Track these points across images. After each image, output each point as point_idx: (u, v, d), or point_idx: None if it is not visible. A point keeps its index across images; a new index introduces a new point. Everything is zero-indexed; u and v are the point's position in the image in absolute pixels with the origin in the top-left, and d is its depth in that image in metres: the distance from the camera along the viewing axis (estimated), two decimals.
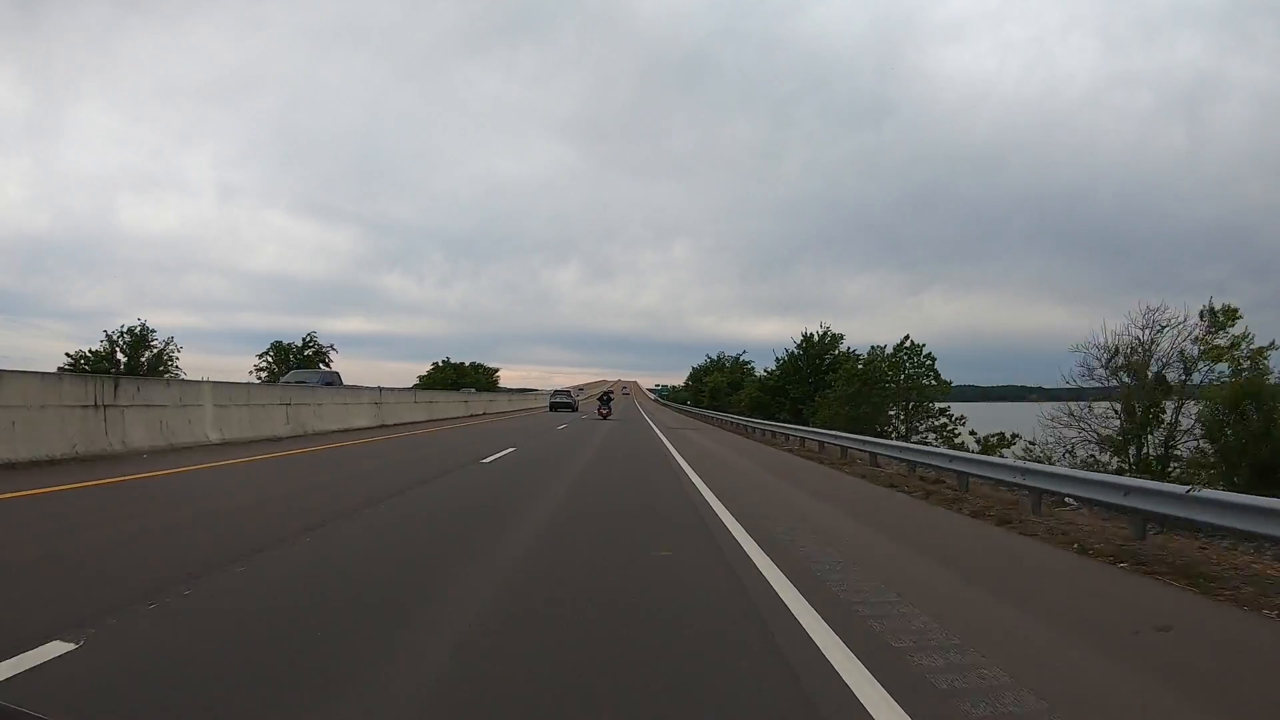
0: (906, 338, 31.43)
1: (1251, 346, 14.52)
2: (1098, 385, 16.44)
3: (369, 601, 3.71)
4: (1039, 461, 12.15)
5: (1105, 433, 15.00)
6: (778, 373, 42.04)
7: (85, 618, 3.12)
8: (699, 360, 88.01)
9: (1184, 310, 15.28)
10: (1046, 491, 7.65)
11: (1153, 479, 8.54)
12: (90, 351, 38.98)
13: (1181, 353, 15.32)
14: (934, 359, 31.01)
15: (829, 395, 32.94)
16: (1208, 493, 5.65)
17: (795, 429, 20.66)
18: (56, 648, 2.77)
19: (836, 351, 39.26)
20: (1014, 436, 24.89)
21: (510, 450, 13.64)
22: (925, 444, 25.58)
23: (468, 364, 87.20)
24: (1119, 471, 14.42)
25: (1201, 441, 12.99)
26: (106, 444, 10.57)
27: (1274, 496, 5.02)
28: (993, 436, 25.32)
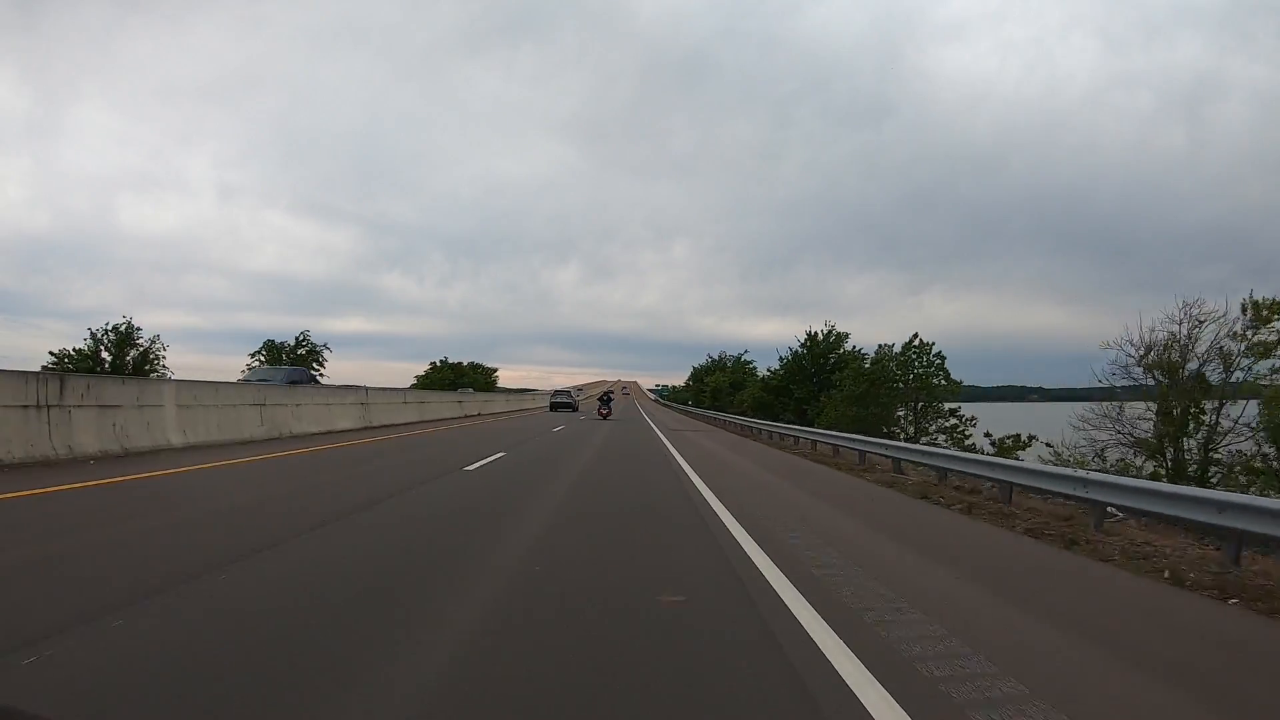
0: (915, 336, 30.51)
1: None
2: (1129, 385, 15.42)
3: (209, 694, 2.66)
4: (1077, 467, 11.08)
5: (1141, 436, 13.95)
6: (781, 372, 41.00)
7: None
8: (699, 360, 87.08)
9: (1224, 304, 14.25)
10: (1109, 505, 6.61)
11: (1242, 493, 7.45)
12: (75, 350, 38.00)
13: (1221, 349, 14.28)
14: (944, 358, 30.08)
15: (835, 395, 31.99)
16: None
17: (806, 431, 19.62)
18: None
19: (841, 350, 38.32)
20: (1030, 438, 23.92)
21: (499, 456, 12.56)
22: (935, 445, 24.68)
23: (466, 364, 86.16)
24: (1154, 477, 13.41)
25: (1265, 446, 11.90)
26: (50, 448, 9.51)
27: None
28: (1008, 438, 24.30)
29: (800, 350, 39.89)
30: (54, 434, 9.64)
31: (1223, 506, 5.35)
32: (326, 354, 50.44)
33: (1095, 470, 8.49)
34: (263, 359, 47.85)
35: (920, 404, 29.93)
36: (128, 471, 8.63)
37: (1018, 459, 14.75)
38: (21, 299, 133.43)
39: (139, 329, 39.51)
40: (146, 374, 36.70)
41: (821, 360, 38.61)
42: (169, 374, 37.84)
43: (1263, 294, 13.84)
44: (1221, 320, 13.97)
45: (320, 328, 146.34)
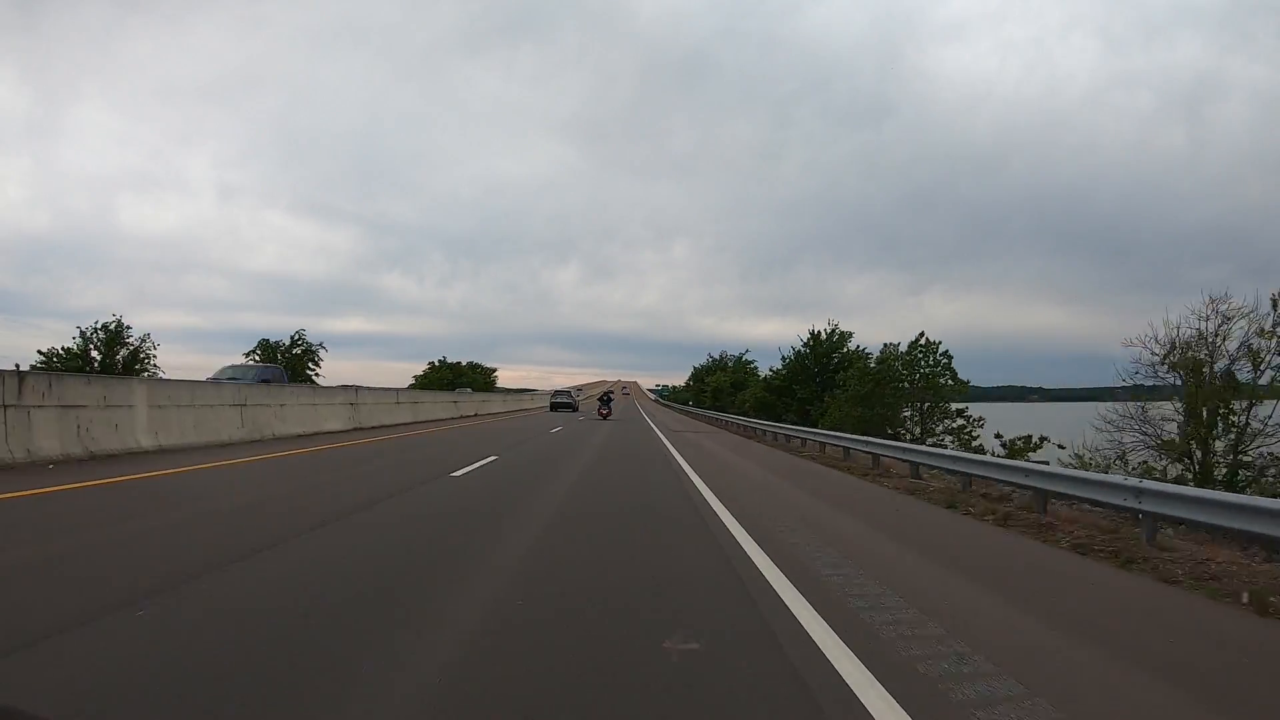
0: (921, 335, 29.82)
1: None
2: (1151, 384, 14.71)
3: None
4: (1126, 474, 10.40)
5: (1167, 438, 13.25)
6: (784, 372, 40.29)
7: None
8: (699, 360, 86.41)
9: (1253, 300, 13.52)
10: (1165, 516, 5.93)
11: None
12: (64, 349, 37.22)
13: (1250, 347, 13.56)
14: (950, 357, 29.40)
15: (839, 395, 31.33)
16: None
17: (814, 433, 18.97)
18: None
19: (845, 350, 37.64)
20: (1042, 439, 23.30)
21: (490, 460, 11.86)
22: (940, 446, 24.01)
23: (465, 364, 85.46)
24: (1180, 480, 12.72)
25: None
26: (7, 451, 8.83)
27: None
28: (1019, 439, 23.65)
29: (803, 349, 39.18)
30: (10, 436, 8.95)
31: None
32: (322, 353, 49.73)
33: (1145, 479, 7.79)
34: (257, 357, 47.11)
35: (926, 404, 29.29)
36: (86, 477, 7.94)
37: (1046, 464, 14.05)
38: (21, 299, 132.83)
39: (129, 327, 38.78)
40: (137, 373, 35.94)
41: (825, 360, 37.93)
42: (160, 373, 37.10)
43: (1263, 294, 13.14)
44: (1251, 315, 13.25)
45: (320, 328, 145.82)
